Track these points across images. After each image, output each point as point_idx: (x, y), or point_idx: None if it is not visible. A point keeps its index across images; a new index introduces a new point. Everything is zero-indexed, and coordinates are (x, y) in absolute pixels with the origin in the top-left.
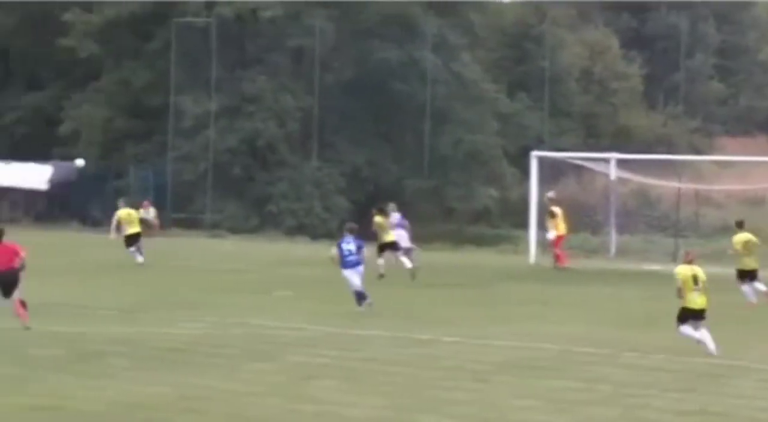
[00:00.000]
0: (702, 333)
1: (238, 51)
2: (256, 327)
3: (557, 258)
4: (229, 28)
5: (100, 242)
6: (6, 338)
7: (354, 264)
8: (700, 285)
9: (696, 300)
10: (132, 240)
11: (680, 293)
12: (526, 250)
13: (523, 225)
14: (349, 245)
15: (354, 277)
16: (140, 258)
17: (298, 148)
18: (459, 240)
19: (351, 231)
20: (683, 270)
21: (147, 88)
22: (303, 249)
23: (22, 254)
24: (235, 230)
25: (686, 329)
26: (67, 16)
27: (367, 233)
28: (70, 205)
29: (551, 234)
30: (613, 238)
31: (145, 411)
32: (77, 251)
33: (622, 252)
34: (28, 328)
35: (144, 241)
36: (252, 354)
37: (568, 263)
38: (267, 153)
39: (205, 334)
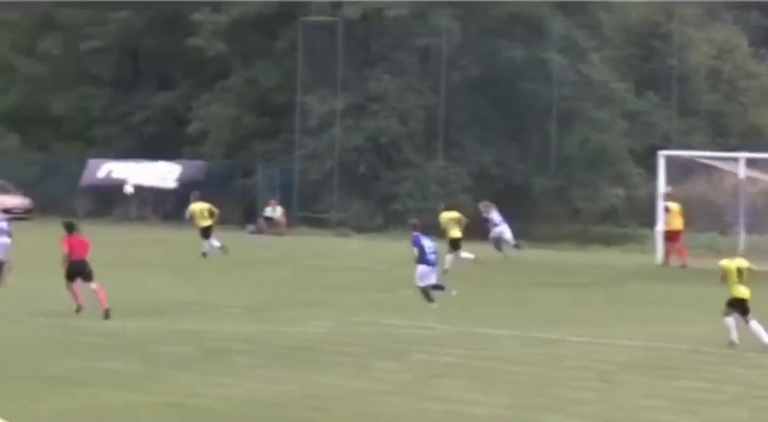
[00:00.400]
0: (753, 325)
1: (363, 50)
2: (382, 325)
3: (680, 253)
4: (354, 28)
5: (228, 240)
6: (134, 336)
7: (434, 263)
8: (744, 277)
9: (741, 290)
10: (206, 232)
11: (725, 282)
12: (653, 250)
13: (650, 224)
14: (428, 242)
15: (431, 274)
16: (208, 248)
17: (423, 147)
18: (585, 239)
19: (415, 228)
20: (728, 264)
21: (274, 87)
22: None
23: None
24: (360, 229)
25: (730, 322)
26: (196, 16)
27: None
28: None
29: (658, 227)
30: (742, 238)
31: (270, 409)
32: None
33: (751, 252)
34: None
35: (273, 240)
36: (378, 353)
37: (687, 261)
38: (392, 152)
39: (331, 332)
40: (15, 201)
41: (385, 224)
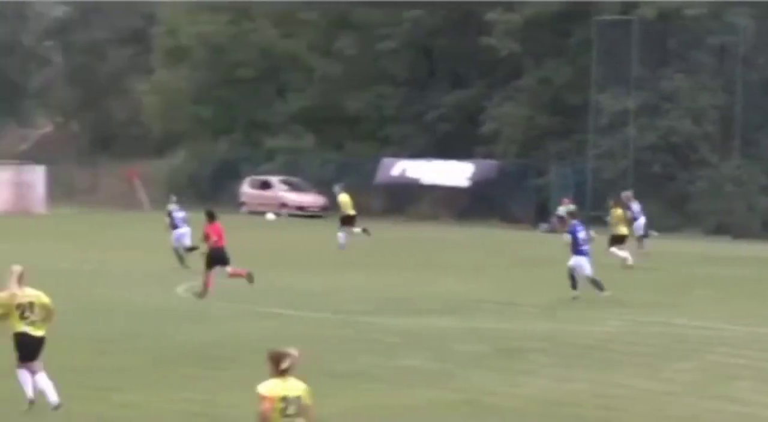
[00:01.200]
0: None
1: (658, 49)
2: (672, 325)
3: None
4: (650, 26)
5: (521, 239)
6: (429, 334)
7: (587, 253)
8: None
9: None
10: (347, 221)
11: None
12: None
13: None
14: (582, 233)
15: (587, 265)
16: (344, 240)
17: (717, 147)
18: None
19: (573, 216)
20: None
21: (567, 86)
22: (723, 248)
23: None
24: (654, 228)
25: None
26: (490, 16)
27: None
28: (491, 202)
29: None
30: None
31: (563, 408)
32: (499, 248)
33: None
34: (251, 281)
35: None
36: (669, 353)
37: None
38: (687, 151)
39: (621, 332)
40: (309, 199)
41: (679, 224)
